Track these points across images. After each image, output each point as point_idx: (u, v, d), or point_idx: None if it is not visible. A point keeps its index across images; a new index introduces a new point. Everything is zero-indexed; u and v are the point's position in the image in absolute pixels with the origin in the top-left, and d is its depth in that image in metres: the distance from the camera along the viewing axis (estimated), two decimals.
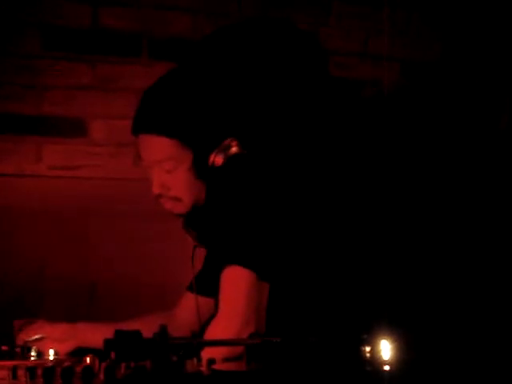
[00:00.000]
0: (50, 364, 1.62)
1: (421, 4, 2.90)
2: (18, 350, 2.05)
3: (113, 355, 1.50)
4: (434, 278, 2.70)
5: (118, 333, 1.50)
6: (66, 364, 1.59)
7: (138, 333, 1.50)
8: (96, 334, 2.16)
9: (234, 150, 2.09)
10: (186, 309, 2.30)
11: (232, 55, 2.66)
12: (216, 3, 2.72)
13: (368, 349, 1.62)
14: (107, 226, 2.62)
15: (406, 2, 2.89)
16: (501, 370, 2.43)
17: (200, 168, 2.09)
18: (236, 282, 1.94)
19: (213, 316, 2.01)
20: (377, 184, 2.73)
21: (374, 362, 1.60)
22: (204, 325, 2.09)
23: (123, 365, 1.50)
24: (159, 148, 2.09)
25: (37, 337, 2.17)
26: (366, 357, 1.61)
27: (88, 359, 1.68)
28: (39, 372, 1.60)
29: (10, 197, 2.57)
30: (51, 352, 1.99)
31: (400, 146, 2.82)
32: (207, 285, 2.19)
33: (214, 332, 1.92)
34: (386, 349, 1.61)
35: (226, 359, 1.74)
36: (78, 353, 2.16)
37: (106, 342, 1.50)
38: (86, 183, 2.64)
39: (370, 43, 2.85)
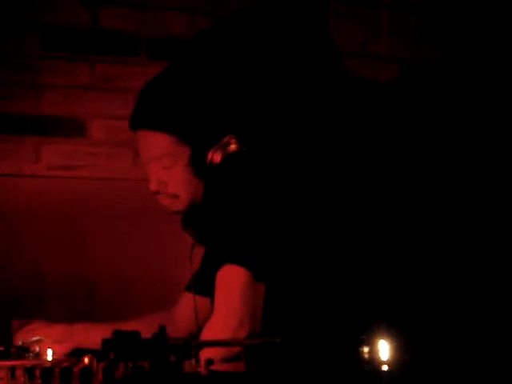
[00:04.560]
0: (49, 364, 1.62)
1: (419, 4, 2.90)
2: (13, 350, 2.05)
3: (111, 355, 1.50)
4: (432, 279, 2.70)
5: (116, 333, 1.50)
6: (65, 364, 1.58)
7: (136, 333, 1.50)
8: (93, 335, 2.16)
9: (232, 147, 2.08)
10: (185, 309, 2.29)
11: (230, 50, 2.66)
12: (215, 3, 2.72)
13: (366, 349, 1.62)
14: (106, 226, 2.62)
15: (405, 3, 2.89)
16: (499, 370, 2.43)
17: (198, 165, 2.08)
18: (232, 281, 1.93)
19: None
20: (376, 183, 2.73)
21: (373, 362, 1.60)
22: (202, 324, 2.09)
23: (121, 365, 1.50)
24: (157, 144, 2.09)
25: (35, 339, 2.16)
26: (364, 357, 1.61)
27: (86, 359, 1.67)
28: (37, 372, 1.60)
29: (9, 197, 2.57)
30: (49, 352, 1.99)
31: (399, 146, 2.82)
32: (206, 284, 2.18)
33: (209, 332, 1.92)
34: (384, 349, 1.61)
35: (223, 360, 1.74)
36: (76, 353, 2.16)
37: (105, 342, 1.50)
38: (85, 183, 2.63)
39: (368, 44, 2.85)
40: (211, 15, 2.70)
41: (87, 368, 1.57)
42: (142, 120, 2.11)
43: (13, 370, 1.66)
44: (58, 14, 2.61)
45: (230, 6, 2.73)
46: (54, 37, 2.61)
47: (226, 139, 2.09)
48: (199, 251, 2.23)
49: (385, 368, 1.60)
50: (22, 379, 1.61)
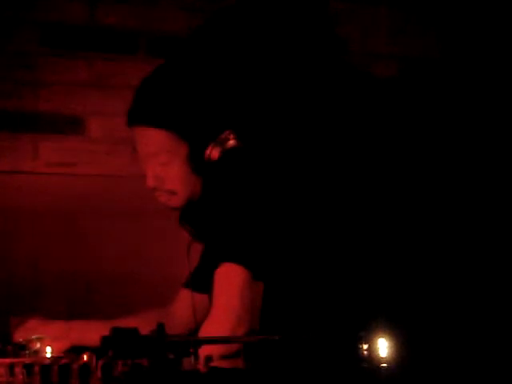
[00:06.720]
0: (47, 361, 1.61)
1: (418, 1, 2.90)
2: (9, 347, 2.04)
3: (110, 353, 1.50)
4: (431, 276, 2.70)
5: (114, 330, 1.49)
6: (63, 361, 1.58)
7: (135, 330, 1.50)
8: (91, 333, 2.15)
9: (231, 143, 2.08)
10: (182, 305, 2.29)
11: (227, 45, 2.65)
12: (213, 1, 2.72)
13: (365, 346, 1.62)
14: (104, 223, 2.62)
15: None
16: (497, 367, 2.43)
17: (196, 161, 2.08)
18: (230, 279, 1.93)
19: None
20: (374, 181, 2.73)
21: (372, 359, 1.60)
22: (200, 322, 2.09)
23: (120, 362, 1.50)
24: (154, 140, 2.08)
25: (35, 337, 2.16)
26: (363, 354, 1.61)
27: (85, 356, 1.67)
28: (36, 369, 1.60)
29: (7, 194, 2.57)
30: (48, 349, 1.99)
31: (398, 142, 2.82)
32: (203, 281, 2.18)
33: (207, 330, 1.91)
34: (383, 346, 1.61)
35: (222, 357, 1.74)
36: (75, 350, 2.16)
37: (103, 339, 1.50)
38: (83, 180, 2.63)
39: (367, 41, 2.85)
40: (210, 13, 2.70)
41: (86, 365, 1.57)
42: (139, 116, 2.11)
43: (11, 367, 1.66)
44: (57, 12, 2.61)
45: (227, 4, 2.72)
46: (53, 34, 2.60)
47: (224, 135, 2.08)
48: (198, 248, 2.23)
49: (384, 366, 1.60)
50: (21, 376, 1.61)
